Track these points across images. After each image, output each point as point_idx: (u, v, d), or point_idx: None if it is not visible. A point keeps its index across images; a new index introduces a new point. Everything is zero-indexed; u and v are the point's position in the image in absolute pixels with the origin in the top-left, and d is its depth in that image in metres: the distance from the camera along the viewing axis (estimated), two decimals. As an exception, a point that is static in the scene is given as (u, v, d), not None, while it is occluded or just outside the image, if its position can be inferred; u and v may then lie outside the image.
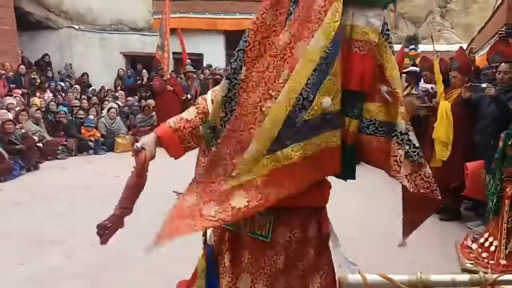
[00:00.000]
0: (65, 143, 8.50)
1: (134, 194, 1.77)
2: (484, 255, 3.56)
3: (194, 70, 10.72)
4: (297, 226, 1.81)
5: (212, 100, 1.82)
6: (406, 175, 1.66)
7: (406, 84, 7.79)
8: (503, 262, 3.42)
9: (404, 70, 8.03)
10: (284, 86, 1.59)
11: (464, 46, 8.40)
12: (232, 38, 12.38)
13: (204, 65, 12.85)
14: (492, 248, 3.55)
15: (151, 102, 10.34)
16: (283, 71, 1.60)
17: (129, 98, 11.32)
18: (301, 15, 1.60)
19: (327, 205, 1.91)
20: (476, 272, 1.50)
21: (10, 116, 7.78)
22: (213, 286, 1.87)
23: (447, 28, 21.41)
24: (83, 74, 12.76)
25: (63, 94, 10.94)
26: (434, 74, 5.98)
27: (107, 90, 12.22)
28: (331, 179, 1.84)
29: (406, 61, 8.41)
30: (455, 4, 22.13)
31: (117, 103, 10.46)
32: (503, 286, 1.36)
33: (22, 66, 10.98)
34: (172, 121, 1.79)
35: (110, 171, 6.43)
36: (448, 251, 3.93)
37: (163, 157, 1.83)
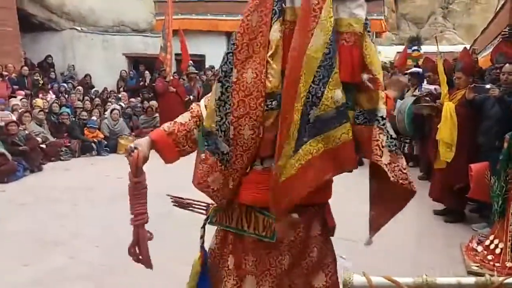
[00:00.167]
0: (68, 144, 8.51)
1: (140, 197, 1.75)
2: (489, 257, 3.54)
3: (196, 71, 10.73)
4: (302, 225, 1.81)
5: (205, 105, 1.83)
6: (386, 164, 1.67)
7: (409, 85, 7.79)
8: (509, 264, 3.40)
9: (407, 71, 8.04)
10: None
11: (467, 47, 8.38)
12: (234, 39, 12.37)
13: (207, 66, 12.86)
14: (497, 251, 3.53)
15: (153, 103, 10.35)
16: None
17: (132, 99, 11.34)
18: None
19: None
20: (482, 275, 1.49)
21: (14, 117, 7.81)
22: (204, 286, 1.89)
23: (449, 29, 21.41)
24: (85, 76, 12.79)
25: (66, 96, 10.96)
26: (437, 75, 5.97)
27: (110, 91, 12.24)
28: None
29: (409, 62, 8.41)
30: (457, 5, 22.12)
31: (120, 105, 10.47)
32: (509, 289, 1.36)
33: (25, 68, 11.01)
34: (166, 125, 1.80)
35: (113, 172, 6.42)
36: (453, 253, 3.92)
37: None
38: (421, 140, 7.04)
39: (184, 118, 1.83)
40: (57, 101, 9.76)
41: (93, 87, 12.59)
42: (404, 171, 1.70)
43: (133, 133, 9.77)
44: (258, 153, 1.73)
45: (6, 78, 9.94)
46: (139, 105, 10.88)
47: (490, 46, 8.05)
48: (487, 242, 3.67)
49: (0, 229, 4.42)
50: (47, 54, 13.08)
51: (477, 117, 4.54)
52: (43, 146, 7.75)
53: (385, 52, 11.94)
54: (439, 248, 4.07)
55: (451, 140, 4.50)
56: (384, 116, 1.68)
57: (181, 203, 2.04)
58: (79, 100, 10.49)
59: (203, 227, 1.95)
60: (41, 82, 11.19)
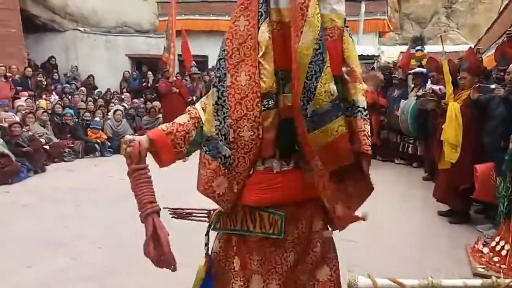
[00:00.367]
0: (72, 145, 8.51)
1: (145, 185, 1.66)
2: (495, 259, 3.51)
3: (199, 72, 10.72)
4: (304, 221, 1.85)
5: (203, 108, 1.82)
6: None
7: (412, 85, 7.77)
8: (515, 266, 3.37)
9: (411, 71, 8.01)
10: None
11: (471, 46, 8.33)
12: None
13: (209, 66, 12.86)
14: (503, 252, 3.51)
15: (157, 104, 10.35)
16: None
17: (135, 100, 11.34)
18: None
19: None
20: (488, 277, 1.48)
21: (17, 118, 7.82)
22: None
23: (452, 28, 21.31)
24: (88, 76, 12.80)
25: (69, 97, 10.97)
26: (442, 75, 5.93)
27: (113, 92, 12.24)
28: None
29: (413, 62, 8.37)
30: (461, 5, 22.02)
31: (123, 105, 10.48)
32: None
33: (29, 69, 11.01)
34: (164, 126, 1.77)
35: (116, 173, 6.40)
36: (458, 255, 3.89)
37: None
38: (425, 140, 7.02)
39: (182, 119, 1.80)
40: (60, 102, 9.78)
41: (96, 88, 12.60)
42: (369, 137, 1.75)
43: (136, 134, 9.76)
44: (260, 154, 1.75)
45: (10, 79, 9.95)
46: (142, 105, 10.88)
47: (494, 46, 8.00)
48: (493, 244, 3.64)
49: (3, 230, 4.42)
50: (50, 55, 13.09)
51: (482, 117, 4.51)
52: (47, 147, 7.75)
53: (388, 52, 11.88)
54: (444, 249, 4.04)
55: (456, 140, 4.47)
56: (366, 107, 1.74)
57: (181, 214, 1.97)
58: (82, 101, 10.49)
59: (207, 234, 1.93)
60: (45, 83, 11.20)
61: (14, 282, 3.34)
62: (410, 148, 7.58)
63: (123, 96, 11.59)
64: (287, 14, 1.69)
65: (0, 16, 10.76)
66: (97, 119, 9.41)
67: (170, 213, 2.01)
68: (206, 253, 1.93)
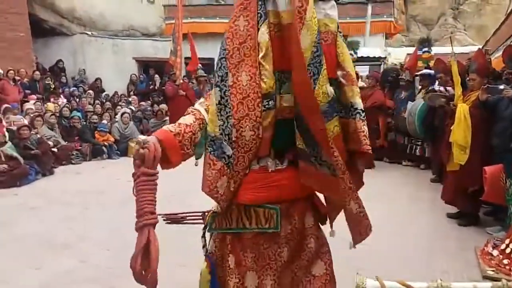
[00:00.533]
0: (80, 148, 8.56)
1: (150, 193, 1.58)
2: (505, 261, 3.47)
3: (205, 75, 10.74)
4: (296, 217, 1.89)
5: (205, 109, 1.82)
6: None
7: (419, 87, 7.72)
8: (525, 268, 3.33)
9: (418, 73, 7.97)
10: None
11: (480, 48, 8.27)
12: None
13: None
14: (513, 255, 3.47)
15: (163, 106, 10.39)
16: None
17: (142, 103, 11.39)
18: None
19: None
20: (498, 279, 1.46)
21: (26, 121, 7.89)
22: None
23: (459, 30, 21.20)
24: (96, 80, 12.90)
25: (77, 100, 11.05)
26: (449, 76, 5.89)
27: (120, 95, 12.32)
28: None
29: (420, 63, 8.32)
30: (468, 6, 21.91)
31: (130, 108, 10.52)
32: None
33: (37, 72, 11.14)
34: (170, 127, 1.73)
35: (124, 175, 6.39)
36: (467, 257, 3.84)
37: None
38: (432, 142, 6.97)
39: (188, 120, 1.77)
40: (67, 105, 9.84)
41: (104, 91, 12.68)
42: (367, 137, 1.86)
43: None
44: (257, 153, 1.77)
45: (19, 82, 10.05)
46: (149, 108, 10.92)
47: (502, 47, 7.94)
48: (503, 246, 3.60)
49: (11, 232, 4.45)
50: (58, 59, 13.21)
51: (491, 118, 4.46)
52: (55, 150, 7.80)
53: (395, 54, 11.84)
54: (453, 252, 4.00)
55: (465, 142, 4.43)
56: (363, 109, 1.83)
57: (175, 219, 1.96)
58: (89, 104, 10.56)
59: (203, 236, 1.94)
60: (53, 86, 11.31)
61: (20, 283, 3.36)
62: (417, 150, 7.53)
63: (130, 99, 11.65)
64: (285, 17, 1.71)
65: (9, 21, 10.89)
66: (104, 121, 9.46)
67: (164, 219, 2.00)
68: (206, 255, 1.95)
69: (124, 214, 4.82)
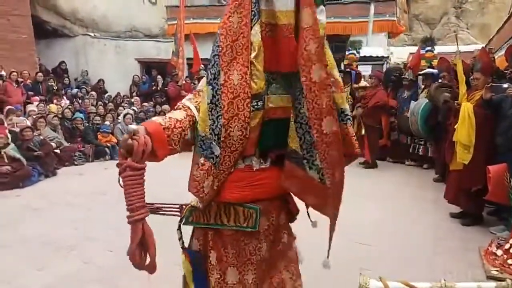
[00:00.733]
0: (82, 149, 8.57)
1: (138, 187, 1.57)
2: (510, 261, 3.45)
3: (208, 75, 10.74)
4: (274, 214, 1.93)
5: (196, 107, 1.79)
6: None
7: (422, 86, 7.70)
8: (530, 268, 3.31)
9: (421, 72, 7.95)
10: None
11: (483, 46, 8.23)
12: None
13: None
14: (518, 254, 3.44)
15: (166, 107, 10.39)
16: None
17: (145, 103, 11.40)
18: None
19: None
20: (502, 279, 1.45)
21: (29, 123, 7.91)
22: (201, 284, 1.92)
23: (462, 28, 21.13)
24: (99, 81, 12.92)
25: (80, 101, 11.07)
26: (452, 75, 5.86)
27: (123, 96, 12.34)
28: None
29: (423, 63, 8.30)
30: (471, 5, 21.83)
31: (133, 109, 10.53)
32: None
33: (40, 74, 11.16)
34: (161, 119, 1.68)
35: (126, 176, 6.45)
36: (471, 257, 3.82)
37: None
38: (435, 142, 6.94)
39: (179, 115, 1.74)
40: (70, 107, 9.87)
41: (106, 92, 12.70)
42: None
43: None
44: (243, 153, 1.77)
45: (21, 84, 10.08)
46: (151, 109, 10.93)
47: (505, 46, 7.90)
48: (507, 246, 3.58)
49: (14, 234, 4.45)
50: (61, 60, 13.24)
51: (495, 117, 4.44)
52: (57, 151, 7.82)
53: (397, 53, 11.83)
54: (456, 252, 3.98)
55: (469, 141, 4.40)
56: (350, 114, 1.90)
57: (151, 209, 1.94)
58: (92, 105, 10.58)
59: (179, 229, 1.95)
60: (55, 88, 11.33)
61: (24, 285, 3.36)
62: (420, 150, 7.50)
63: (132, 100, 11.67)
64: (282, 17, 1.69)
65: (12, 22, 10.94)
66: (107, 123, 9.48)
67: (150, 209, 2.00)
68: (182, 247, 1.95)
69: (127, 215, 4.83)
